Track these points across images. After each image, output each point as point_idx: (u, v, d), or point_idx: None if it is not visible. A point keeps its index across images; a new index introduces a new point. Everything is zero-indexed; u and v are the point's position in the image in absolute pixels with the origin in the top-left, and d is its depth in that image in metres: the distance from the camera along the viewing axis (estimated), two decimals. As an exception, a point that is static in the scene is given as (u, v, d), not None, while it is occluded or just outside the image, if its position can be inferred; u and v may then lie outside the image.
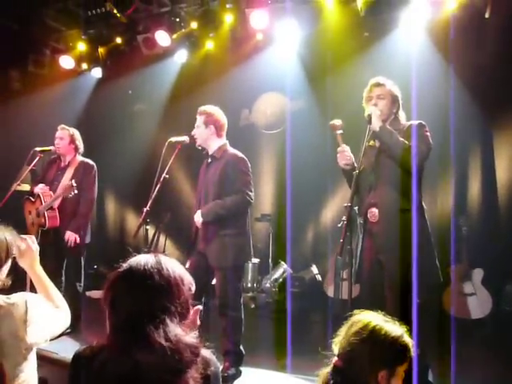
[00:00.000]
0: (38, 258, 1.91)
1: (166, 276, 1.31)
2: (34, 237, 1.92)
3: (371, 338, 1.41)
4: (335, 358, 1.45)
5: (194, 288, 1.39)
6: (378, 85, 3.11)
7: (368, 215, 3.03)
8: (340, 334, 1.50)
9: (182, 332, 1.28)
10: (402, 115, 3.16)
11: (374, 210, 3.00)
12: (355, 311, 1.54)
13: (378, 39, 5.12)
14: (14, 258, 1.81)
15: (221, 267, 3.39)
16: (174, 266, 1.37)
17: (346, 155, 3.09)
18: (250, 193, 3.43)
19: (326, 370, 1.47)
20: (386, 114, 3.07)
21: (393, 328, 1.45)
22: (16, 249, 1.81)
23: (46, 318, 1.73)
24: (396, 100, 3.12)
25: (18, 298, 1.66)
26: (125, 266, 1.35)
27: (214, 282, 3.57)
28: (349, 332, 1.45)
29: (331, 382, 1.43)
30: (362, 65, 5.25)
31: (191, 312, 1.36)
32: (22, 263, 1.85)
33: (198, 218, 3.41)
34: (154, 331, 1.23)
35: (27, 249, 1.85)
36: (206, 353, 1.31)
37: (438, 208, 5.49)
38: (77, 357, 1.34)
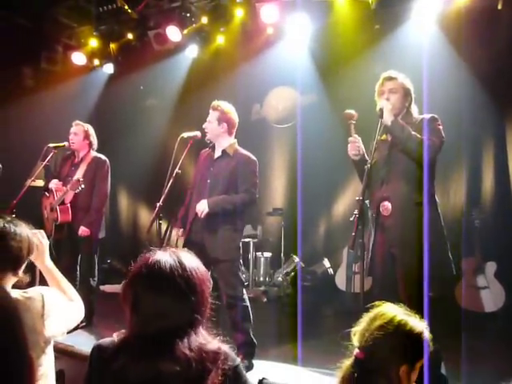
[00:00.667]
0: (47, 252, 1.93)
1: (192, 284, 1.29)
2: (43, 231, 1.94)
3: (396, 332, 1.41)
4: (356, 350, 1.45)
5: (211, 285, 1.39)
6: (390, 78, 3.09)
7: (380, 209, 3.03)
8: (361, 325, 1.48)
9: (204, 340, 1.28)
10: (414, 109, 3.14)
11: (387, 204, 3.00)
12: (376, 303, 1.53)
13: (389, 32, 5.07)
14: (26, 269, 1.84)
15: (224, 260, 3.46)
16: (197, 265, 1.36)
17: (356, 145, 3.10)
18: (257, 194, 3.57)
19: (348, 362, 1.47)
20: (397, 108, 3.06)
21: (416, 323, 1.45)
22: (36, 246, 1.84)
23: (62, 310, 1.76)
24: (408, 94, 3.11)
25: (34, 292, 1.70)
26: (144, 264, 1.32)
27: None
28: (372, 325, 1.44)
29: (352, 373, 1.44)
30: (373, 58, 5.22)
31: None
32: (33, 257, 1.87)
33: (204, 208, 3.44)
34: (179, 342, 1.23)
35: (37, 243, 1.88)
36: (224, 347, 1.32)
37: (451, 201, 5.46)
38: (98, 350, 1.34)
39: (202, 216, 3.45)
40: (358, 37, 5.12)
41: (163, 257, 1.32)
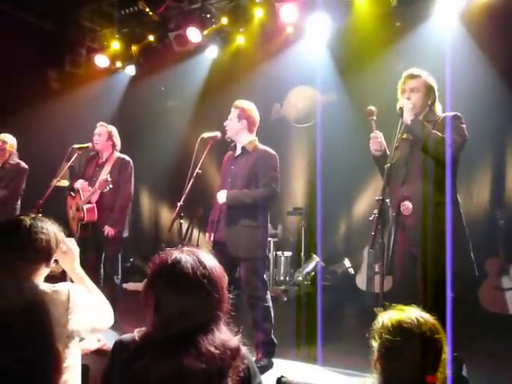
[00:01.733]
0: (78, 259, 1.97)
1: (213, 281, 1.32)
2: (73, 239, 1.99)
3: (424, 340, 1.39)
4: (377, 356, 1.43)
5: (227, 281, 1.41)
6: (412, 76, 3.05)
7: (401, 208, 3.00)
8: (383, 328, 1.44)
9: (226, 336, 1.30)
10: (437, 107, 3.09)
11: (407, 203, 2.98)
12: (398, 306, 1.50)
13: (411, 29, 5.02)
14: (56, 260, 1.89)
15: (247, 258, 3.46)
16: (215, 263, 1.38)
17: (378, 141, 3.08)
18: (277, 189, 3.53)
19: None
20: (419, 106, 3.02)
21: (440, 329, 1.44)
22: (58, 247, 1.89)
23: (87, 308, 1.80)
24: (431, 91, 3.06)
25: (61, 286, 1.75)
26: (163, 264, 1.34)
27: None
28: (396, 328, 1.41)
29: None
30: (394, 56, 5.17)
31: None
32: (63, 264, 1.93)
33: (223, 197, 3.47)
34: (203, 338, 1.25)
35: (68, 250, 1.93)
36: (242, 348, 1.33)
37: (474, 200, 5.37)
38: (119, 346, 1.37)
39: (220, 203, 3.47)
40: (379, 34, 5.06)
41: (182, 256, 1.34)
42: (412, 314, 1.45)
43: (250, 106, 3.62)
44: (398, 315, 1.45)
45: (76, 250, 1.96)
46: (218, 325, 1.31)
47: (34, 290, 1.68)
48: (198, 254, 1.37)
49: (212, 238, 3.63)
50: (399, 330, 1.40)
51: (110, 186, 4.11)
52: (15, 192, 5.03)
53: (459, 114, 2.97)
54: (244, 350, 1.34)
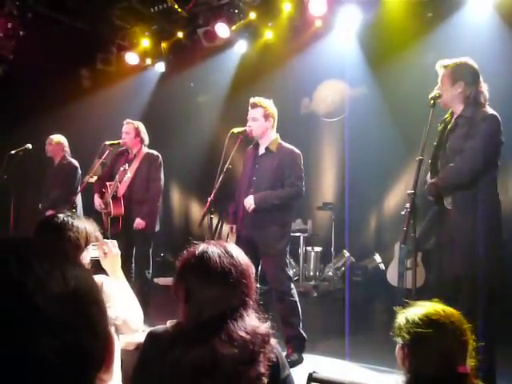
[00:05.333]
0: (119, 262, 2.00)
1: (240, 269, 1.36)
2: (115, 241, 2.02)
3: (453, 330, 1.39)
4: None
5: (254, 272, 1.45)
6: (443, 67, 2.95)
7: (445, 203, 2.90)
8: (412, 323, 1.42)
9: (256, 323, 1.33)
10: (479, 97, 2.87)
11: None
12: (430, 303, 1.49)
13: (443, 19, 4.89)
14: (98, 260, 1.94)
15: (272, 255, 3.49)
16: (242, 254, 1.42)
17: None
18: (303, 187, 3.56)
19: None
20: (447, 97, 2.91)
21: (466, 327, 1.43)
22: (92, 242, 1.93)
23: (120, 300, 1.84)
24: (456, 80, 2.87)
25: (96, 277, 1.79)
26: (192, 256, 1.38)
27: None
28: (426, 321, 1.40)
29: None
30: (426, 47, 5.06)
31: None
32: (105, 265, 1.97)
33: (251, 203, 3.48)
34: (234, 324, 1.28)
35: (109, 252, 1.96)
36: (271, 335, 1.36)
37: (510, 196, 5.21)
38: (151, 337, 1.40)
39: (250, 211, 3.50)
40: (410, 26, 4.96)
41: (209, 247, 1.39)
42: (435, 306, 1.44)
43: (270, 102, 3.63)
44: (423, 309, 1.44)
45: (117, 252, 1.99)
46: (247, 311, 1.34)
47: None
48: (225, 245, 1.42)
49: (235, 231, 3.70)
50: (428, 322, 1.40)
51: (129, 174, 4.19)
52: (71, 189, 5.18)
53: (497, 116, 2.81)
54: (273, 341, 1.36)
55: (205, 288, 1.33)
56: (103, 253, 1.94)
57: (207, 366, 1.23)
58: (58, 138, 5.32)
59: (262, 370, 1.27)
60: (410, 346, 1.41)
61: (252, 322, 1.32)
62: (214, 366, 1.23)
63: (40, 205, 5.22)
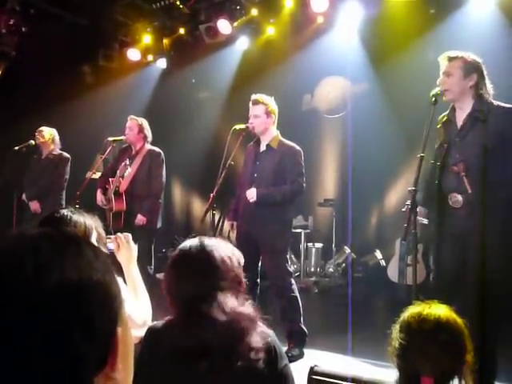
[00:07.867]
0: (135, 255, 1.98)
1: (213, 254, 1.41)
2: (130, 235, 2.00)
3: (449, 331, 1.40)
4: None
5: (242, 261, 1.49)
6: (449, 59, 2.80)
7: (451, 200, 2.85)
8: (414, 326, 1.40)
9: (236, 303, 1.36)
10: (487, 91, 2.81)
11: (457, 196, 2.85)
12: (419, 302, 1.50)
13: (446, 16, 4.90)
14: (112, 252, 1.95)
15: (273, 251, 3.53)
16: (219, 245, 1.46)
17: None
18: (303, 184, 3.59)
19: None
20: (453, 91, 2.85)
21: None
22: (95, 235, 1.94)
23: (124, 294, 1.85)
24: (468, 73, 2.78)
25: None
26: (174, 253, 1.47)
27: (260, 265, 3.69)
28: (418, 322, 1.39)
29: None
30: (428, 44, 5.05)
31: (244, 285, 1.46)
32: (120, 258, 1.96)
33: (253, 195, 3.50)
34: (209, 308, 1.33)
35: (121, 245, 1.95)
36: (263, 326, 1.39)
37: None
38: (150, 331, 1.46)
39: (251, 201, 3.51)
40: (412, 22, 4.96)
41: (187, 243, 1.47)
42: (434, 307, 1.45)
43: (271, 99, 3.65)
44: (420, 309, 1.44)
45: (133, 245, 1.98)
46: (222, 293, 1.37)
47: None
48: (205, 239, 1.47)
49: (235, 228, 3.73)
50: (421, 322, 1.39)
51: (129, 169, 4.20)
52: (58, 182, 5.16)
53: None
54: (270, 332, 1.39)
55: (178, 279, 1.42)
56: (117, 246, 1.95)
57: (196, 349, 1.28)
58: (43, 129, 5.18)
59: (254, 344, 1.29)
60: (402, 346, 1.43)
61: (231, 302, 1.35)
62: (203, 348, 1.27)
63: (24, 194, 5.09)
